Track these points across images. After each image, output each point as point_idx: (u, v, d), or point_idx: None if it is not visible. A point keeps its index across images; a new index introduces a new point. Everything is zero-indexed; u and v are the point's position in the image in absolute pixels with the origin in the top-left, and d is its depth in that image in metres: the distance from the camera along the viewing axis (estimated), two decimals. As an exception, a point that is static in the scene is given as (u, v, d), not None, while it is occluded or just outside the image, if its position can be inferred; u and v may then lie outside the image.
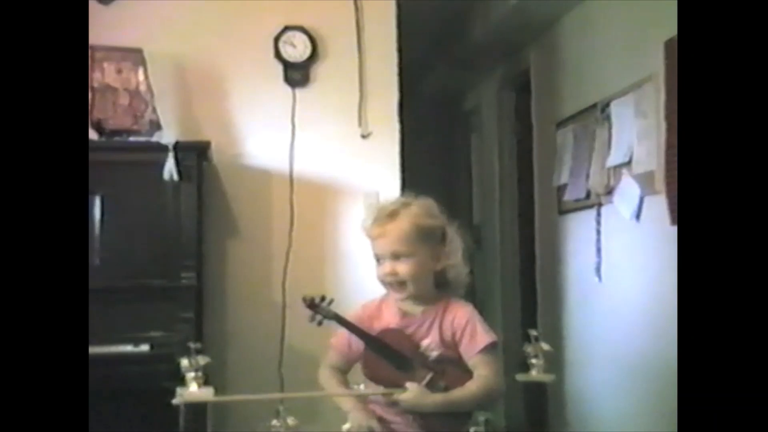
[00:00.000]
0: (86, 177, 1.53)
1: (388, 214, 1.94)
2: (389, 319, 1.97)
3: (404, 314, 1.97)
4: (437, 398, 1.85)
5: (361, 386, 1.96)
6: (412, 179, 3.51)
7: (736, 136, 1.39)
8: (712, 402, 1.36)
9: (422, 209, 1.96)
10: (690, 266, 1.42)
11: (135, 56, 3.00)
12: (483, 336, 1.93)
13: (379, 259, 1.96)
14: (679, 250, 1.50)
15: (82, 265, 1.49)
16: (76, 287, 1.43)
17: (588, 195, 3.50)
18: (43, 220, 1.41)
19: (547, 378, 2.76)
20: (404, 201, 2.00)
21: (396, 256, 1.92)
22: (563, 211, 3.85)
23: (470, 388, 1.89)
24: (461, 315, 1.94)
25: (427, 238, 1.93)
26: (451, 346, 1.92)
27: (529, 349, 2.74)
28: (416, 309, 1.97)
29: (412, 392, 1.83)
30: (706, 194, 1.40)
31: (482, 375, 1.90)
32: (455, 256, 1.96)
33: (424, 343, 1.91)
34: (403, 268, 1.91)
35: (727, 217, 1.38)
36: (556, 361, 3.23)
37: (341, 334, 2.00)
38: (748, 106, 1.38)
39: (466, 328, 1.92)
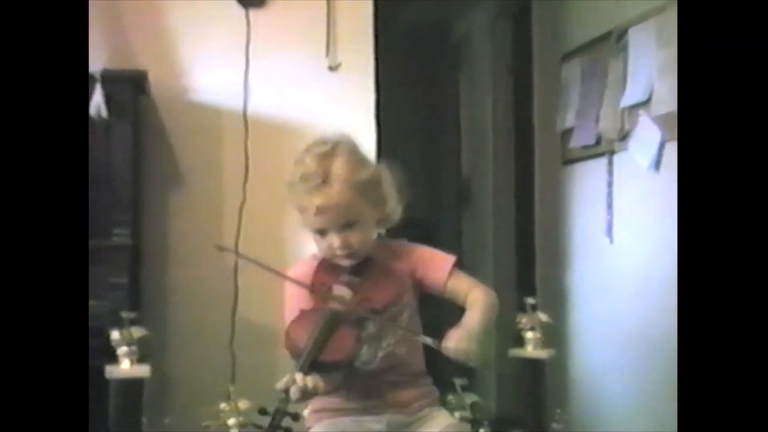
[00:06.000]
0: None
1: (321, 181, 1.90)
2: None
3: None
4: (476, 328, 1.85)
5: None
6: (388, 121, 3.47)
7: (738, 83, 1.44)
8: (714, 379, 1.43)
9: (352, 158, 1.95)
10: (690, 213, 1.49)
11: (54, -33, 2.90)
12: (444, 258, 2.02)
13: (321, 232, 1.94)
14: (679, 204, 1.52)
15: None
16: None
17: (598, 141, 3.51)
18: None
19: (545, 354, 2.78)
20: (325, 151, 1.94)
21: (344, 227, 1.92)
22: (568, 160, 3.87)
23: (480, 305, 1.93)
24: (418, 252, 2.03)
25: (367, 191, 1.95)
26: (408, 289, 1.99)
27: (524, 320, 2.77)
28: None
29: (456, 338, 1.81)
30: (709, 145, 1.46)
31: (474, 294, 1.96)
32: (392, 198, 2.01)
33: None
34: (355, 237, 1.93)
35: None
36: (556, 335, 3.27)
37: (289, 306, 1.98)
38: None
39: (425, 258, 2.02)
